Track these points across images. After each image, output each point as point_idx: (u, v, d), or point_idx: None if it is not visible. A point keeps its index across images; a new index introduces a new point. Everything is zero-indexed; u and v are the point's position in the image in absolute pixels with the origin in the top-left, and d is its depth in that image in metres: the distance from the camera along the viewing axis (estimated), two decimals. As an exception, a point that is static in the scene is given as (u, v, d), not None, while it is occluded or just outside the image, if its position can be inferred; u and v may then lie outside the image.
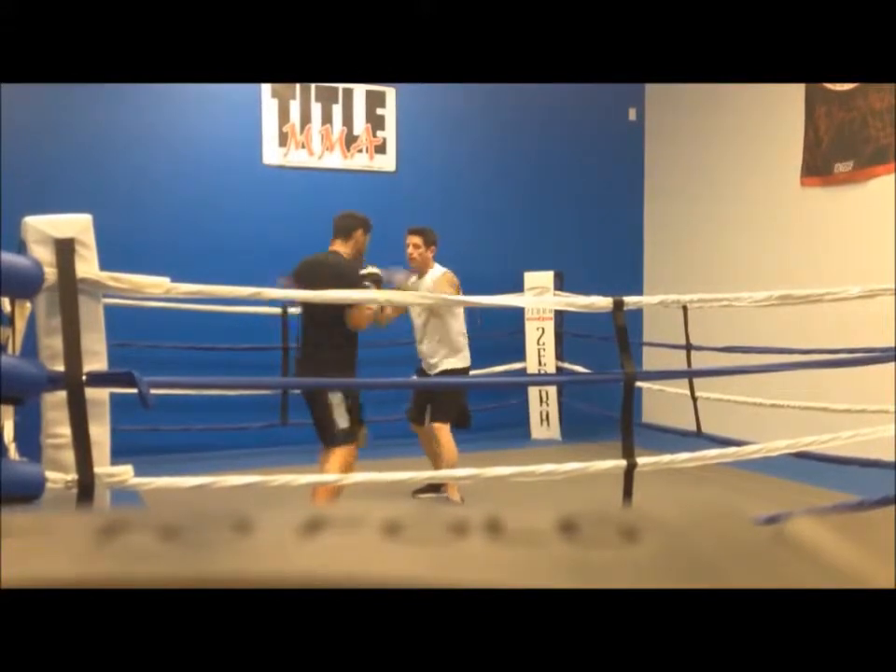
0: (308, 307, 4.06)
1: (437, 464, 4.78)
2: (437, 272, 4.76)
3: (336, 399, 3.93)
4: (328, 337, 3.98)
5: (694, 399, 5.71)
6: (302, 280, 4.00)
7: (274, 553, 0.32)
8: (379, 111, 7.33)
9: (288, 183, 6.98)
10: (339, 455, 3.94)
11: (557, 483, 3.19)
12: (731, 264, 7.16)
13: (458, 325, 4.83)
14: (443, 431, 4.76)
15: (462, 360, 4.84)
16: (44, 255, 2.34)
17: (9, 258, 2.24)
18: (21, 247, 2.52)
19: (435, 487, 4.90)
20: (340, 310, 3.88)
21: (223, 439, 6.25)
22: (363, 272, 4.11)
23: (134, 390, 2.37)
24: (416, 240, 4.77)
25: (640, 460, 3.17)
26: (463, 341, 4.86)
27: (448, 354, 4.80)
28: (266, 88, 6.99)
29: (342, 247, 4.18)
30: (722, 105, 7.27)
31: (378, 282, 4.12)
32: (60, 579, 0.29)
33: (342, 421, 3.93)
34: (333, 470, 3.84)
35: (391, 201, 7.30)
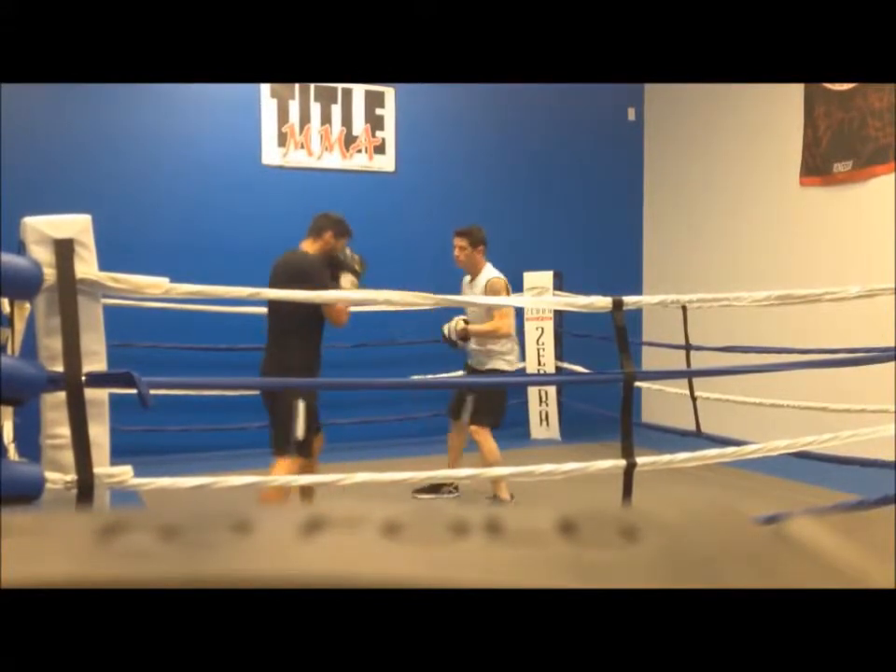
0: (273, 308, 4.03)
1: (454, 463, 4.77)
2: (489, 274, 4.69)
3: (300, 407, 3.88)
4: (292, 339, 3.95)
5: (694, 398, 5.71)
6: (270, 279, 4.01)
7: (274, 553, 0.32)
8: (378, 111, 7.33)
9: (288, 183, 6.99)
10: (288, 465, 3.86)
11: (557, 483, 3.19)
12: (730, 264, 7.16)
13: (512, 322, 4.77)
14: (481, 434, 4.70)
15: (508, 363, 4.78)
16: (43, 255, 2.34)
17: (9, 258, 2.24)
18: (20, 248, 2.52)
19: (436, 488, 4.89)
20: (305, 311, 3.85)
21: (223, 439, 6.25)
22: (347, 261, 4.12)
23: (134, 390, 2.37)
24: (461, 241, 4.73)
25: (640, 460, 3.17)
26: (510, 343, 4.79)
27: (494, 354, 4.75)
28: (265, 88, 6.99)
29: (309, 246, 4.15)
30: (722, 104, 7.28)
31: (360, 273, 4.14)
32: (60, 579, 0.29)
33: (299, 431, 3.87)
34: (274, 490, 3.74)
35: (390, 201, 7.31)
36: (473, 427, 4.72)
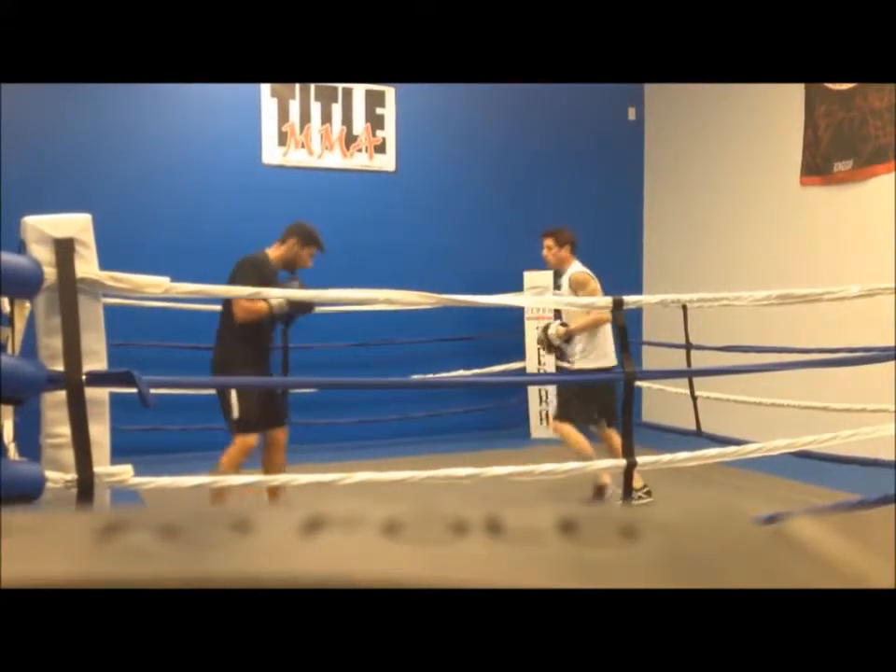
0: (222, 308, 4.25)
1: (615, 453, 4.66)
2: (573, 269, 4.78)
3: (232, 391, 4.14)
4: (233, 334, 4.14)
5: (694, 398, 5.71)
6: None
7: (274, 553, 0.32)
8: (378, 111, 7.33)
9: (288, 183, 6.98)
10: (235, 444, 4.18)
11: (557, 483, 3.19)
12: (730, 263, 7.16)
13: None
14: (562, 429, 4.72)
15: (595, 360, 4.70)
16: (43, 255, 2.34)
17: (9, 258, 2.23)
18: (20, 247, 2.52)
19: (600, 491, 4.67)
20: (231, 308, 4.05)
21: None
22: (289, 283, 4.23)
23: (134, 390, 2.37)
24: (548, 241, 4.89)
25: (640, 459, 3.17)
26: (601, 341, 4.73)
27: (585, 352, 4.75)
28: (266, 87, 6.99)
29: (272, 251, 4.31)
30: (722, 104, 7.27)
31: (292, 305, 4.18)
32: (60, 579, 0.29)
33: (235, 411, 4.12)
34: (229, 457, 4.16)
35: (391, 200, 7.30)
36: (553, 422, 4.78)
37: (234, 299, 3.98)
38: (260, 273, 4.10)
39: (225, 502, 3.86)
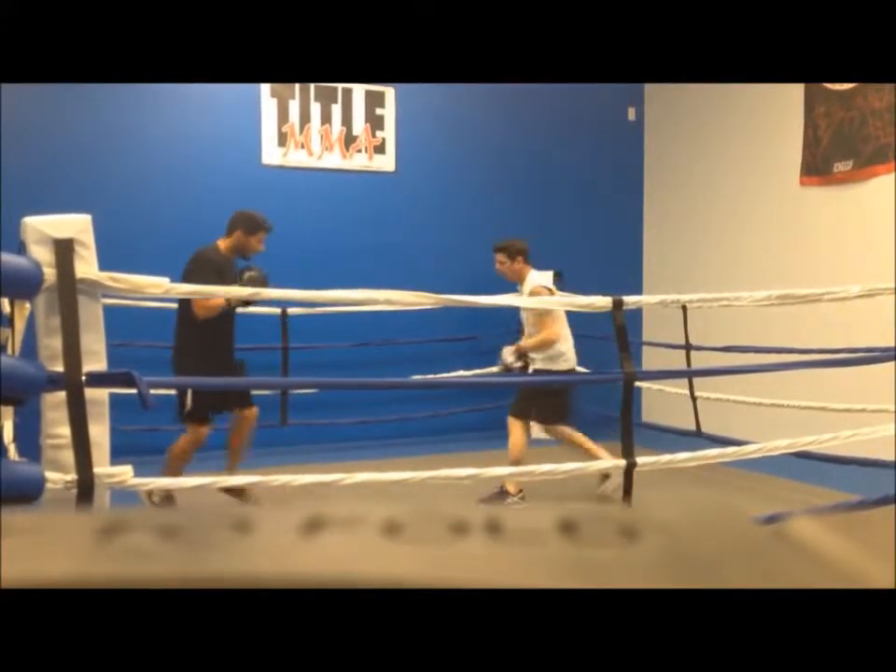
0: (179, 302, 4.36)
1: (594, 453, 4.77)
2: (531, 282, 4.90)
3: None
4: (190, 328, 4.26)
5: (694, 398, 5.71)
6: None
7: (274, 553, 0.32)
8: (378, 111, 7.33)
9: (288, 183, 6.98)
10: (187, 433, 4.35)
11: (557, 483, 3.19)
12: (730, 264, 7.16)
13: (558, 327, 4.88)
14: (514, 426, 4.83)
15: (555, 363, 4.85)
16: (43, 255, 2.34)
17: (9, 258, 2.23)
18: (20, 248, 2.52)
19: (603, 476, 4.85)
20: (189, 304, 4.15)
21: (223, 439, 6.24)
22: (245, 272, 4.30)
23: (134, 390, 2.36)
24: (500, 257, 5.04)
25: (640, 460, 3.17)
26: (561, 344, 4.88)
27: (544, 355, 4.85)
28: (265, 88, 6.99)
29: (221, 243, 4.41)
30: (722, 104, 7.27)
31: (257, 282, 4.23)
32: (60, 579, 0.29)
33: (188, 403, 4.25)
34: (178, 446, 4.34)
35: (391, 201, 7.30)
36: (509, 417, 4.86)
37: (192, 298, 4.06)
38: (216, 267, 4.21)
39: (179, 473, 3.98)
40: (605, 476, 4.68)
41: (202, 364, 4.16)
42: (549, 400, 4.82)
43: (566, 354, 4.88)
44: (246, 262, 4.52)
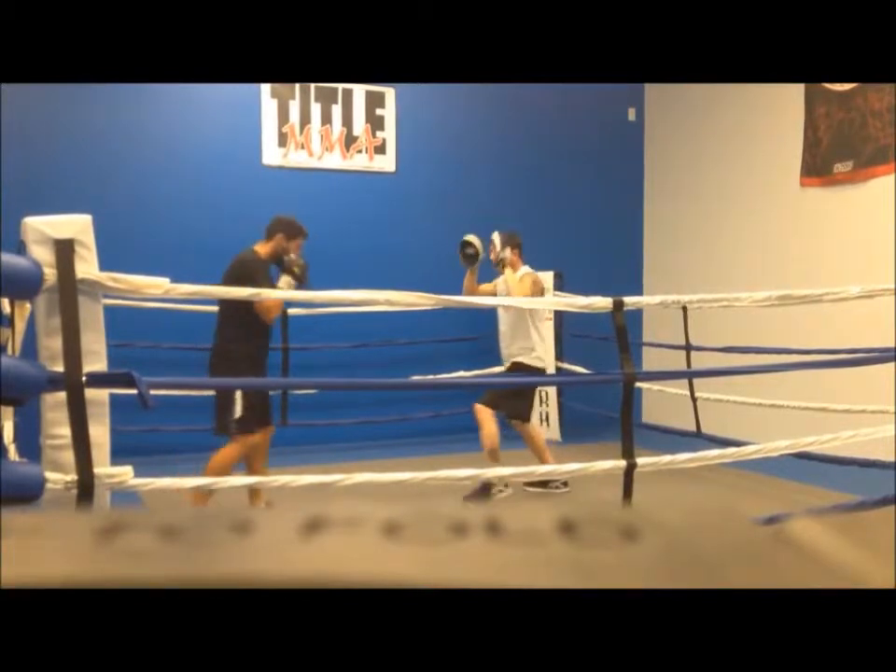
0: (220, 304, 4.30)
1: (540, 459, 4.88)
2: (520, 271, 4.98)
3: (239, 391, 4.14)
4: (235, 331, 4.18)
5: (694, 399, 5.71)
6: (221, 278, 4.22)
7: (274, 553, 0.32)
8: (378, 111, 7.33)
9: (288, 183, 6.98)
10: (231, 445, 4.16)
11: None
12: (731, 264, 7.16)
13: (539, 325, 4.96)
14: (484, 415, 4.87)
15: (536, 359, 4.93)
16: (43, 255, 2.34)
17: (9, 258, 2.23)
18: (20, 248, 2.52)
19: (543, 483, 4.97)
20: (244, 306, 4.04)
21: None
22: (288, 263, 4.28)
23: (134, 390, 2.36)
24: (497, 240, 5.07)
25: (640, 460, 3.17)
26: (537, 341, 4.97)
27: (522, 350, 4.92)
28: (266, 88, 6.99)
29: (260, 247, 4.36)
30: (722, 104, 7.27)
31: (299, 276, 4.25)
32: (60, 579, 0.29)
33: (237, 411, 4.11)
34: (220, 458, 4.11)
35: (391, 201, 7.31)
36: (479, 412, 4.89)
37: (257, 300, 3.97)
38: (267, 269, 4.23)
39: (206, 504, 3.87)
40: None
41: (249, 370, 4.12)
42: (517, 396, 4.89)
43: (538, 352, 4.96)
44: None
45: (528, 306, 4.70)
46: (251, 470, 4.32)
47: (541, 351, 5.02)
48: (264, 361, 4.35)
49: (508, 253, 4.96)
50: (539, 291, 4.92)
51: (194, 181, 6.77)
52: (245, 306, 4.04)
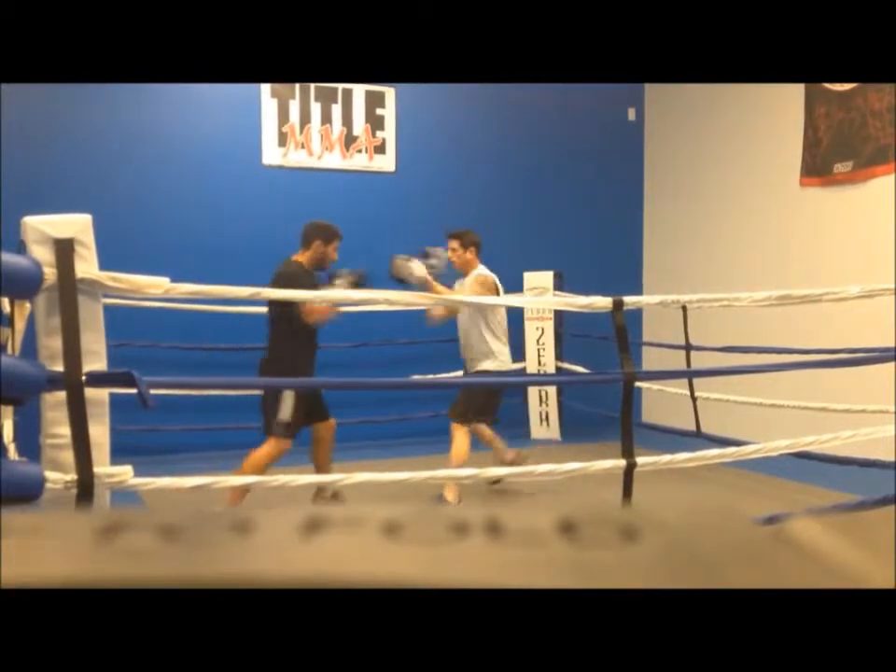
0: (270, 310, 4.37)
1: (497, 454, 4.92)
2: (475, 273, 4.92)
3: (287, 392, 4.18)
4: (284, 336, 4.25)
5: (694, 399, 5.71)
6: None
7: (274, 553, 0.32)
8: (378, 111, 7.33)
9: (288, 183, 6.98)
10: (272, 445, 4.17)
11: (557, 483, 3.19)
12: (730, 264, 7.16)
13: (495, 327, 4.92)
14: (459, 431, 4.87)
15: (496, 363, 4.91)
16: (43, 255, 2.34)
17: (9, 258, 2.23)
18: (20, 247, 2.52)
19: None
20: (292, 311, 4.13)
21: (223, 439, 6.24)
22: (335, 275, 4.34)
23: (134, 390, 2.36)
24: (453, 243, 4.98)
25: (640, 460, 3.17)
26: (499, 343, 4.94)
27: (483, 355, 4.90)
28: (265, 88, 6.99)
29: (300, 256, 4.41)
30: (722, 104, 7.27)
31: (354, 282, 4.27)
32: (60, 579, 0.29)
33: (286, 414, 4.14)
34: (258, 457, 4.12)
35: (391, 201, 7.30)
36: (455, 424, 4.88)
37: (304, 305, 4.10)
38: (311, 277, 4.29)
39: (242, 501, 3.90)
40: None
41: (293, 372, 4.16)
42: (488, 396, 4.90)
43: (497, 354, 4.93)
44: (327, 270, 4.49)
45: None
46: (316, 463, 4.43)
47: (500, 350, 4.94)
48: (308, 362, 4.41)
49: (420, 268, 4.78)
50: (486, 292, 4.79)
51: (194, 181, 6.77)
52: (289, 311, 4.15)
